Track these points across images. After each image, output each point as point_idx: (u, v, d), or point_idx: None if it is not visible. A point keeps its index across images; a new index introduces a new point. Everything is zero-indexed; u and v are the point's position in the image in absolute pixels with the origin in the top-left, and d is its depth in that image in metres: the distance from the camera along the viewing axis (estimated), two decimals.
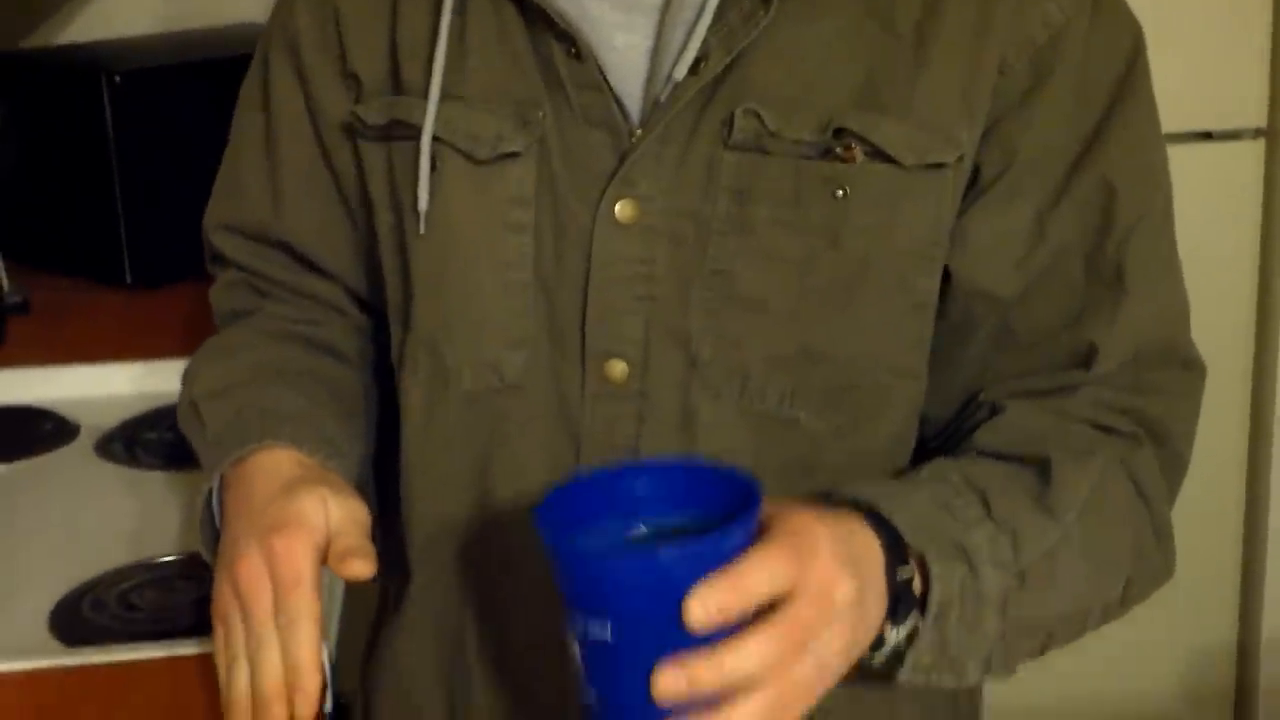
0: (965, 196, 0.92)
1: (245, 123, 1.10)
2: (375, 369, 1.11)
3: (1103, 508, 0.91)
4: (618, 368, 0.93)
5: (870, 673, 0.83)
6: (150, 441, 1.45)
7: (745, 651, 0.71)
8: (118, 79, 1.92)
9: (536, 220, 0.93)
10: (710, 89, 0.90)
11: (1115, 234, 0.92)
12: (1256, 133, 2.36)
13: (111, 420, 1.50)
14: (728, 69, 0.89)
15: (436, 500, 1.01)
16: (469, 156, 0.94)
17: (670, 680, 0.70)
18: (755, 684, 0.71)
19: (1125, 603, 0.95)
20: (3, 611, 1.14)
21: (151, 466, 1.39)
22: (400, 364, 1.01)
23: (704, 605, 0.70)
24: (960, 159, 0.90)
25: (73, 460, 1.43)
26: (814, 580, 0.73)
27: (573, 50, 0.91)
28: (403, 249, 0.98)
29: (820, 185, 0.89)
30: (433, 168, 0.94)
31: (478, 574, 1.01)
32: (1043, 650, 0.92)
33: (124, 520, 1.28)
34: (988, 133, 0.90)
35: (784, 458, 0.94)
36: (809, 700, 0.75)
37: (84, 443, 1.46)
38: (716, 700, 0.71)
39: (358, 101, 0.99)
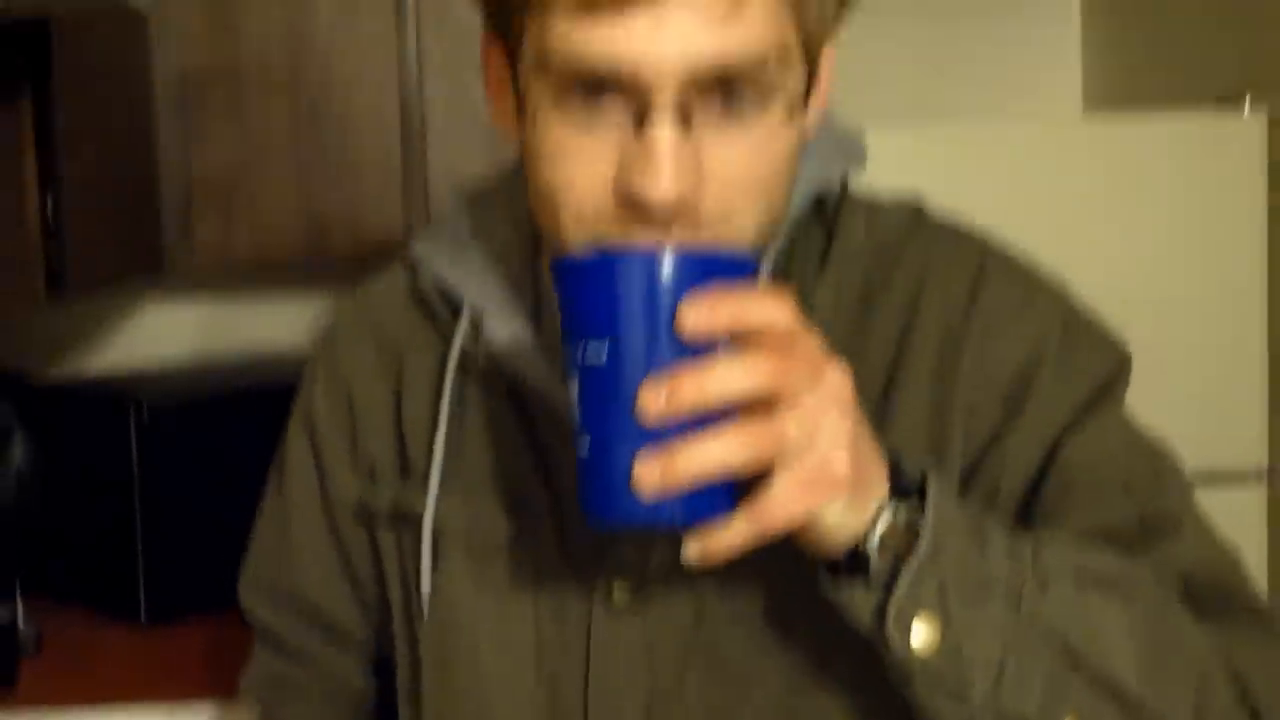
0: None
1: (269, 489, 1.12)
2: None
3: (1156, 610, 0.83)
4: None
5: (865, 613, 0.77)
6: None
7: (728, 369, 0.69)
8: (146, 413, 1.96)
9: (535, 606, 0.95)
10: None
11: (1102, 502, 0.89)
12: (1258, 475, 2.39)
13: None
14: None
15: None
16: (467, 545, 0.96)
17: (652, 394, 0.69)
18: (739, 422, 0.70)
19: None
20: None
21: None
22: None
23: (697, 310, 0.69)
24: None
25: None
26: (805, 346, 0.72)
27: (564, 435, 0.94)
28: (412, 631, 1.00)
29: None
30: (435, 555, 0.96)
31: None
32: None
33: None
34: (968, 474, 0.91)
35: None
36: (788, 469, 0.71)
37: None
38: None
39: (371, 484, 1.02)
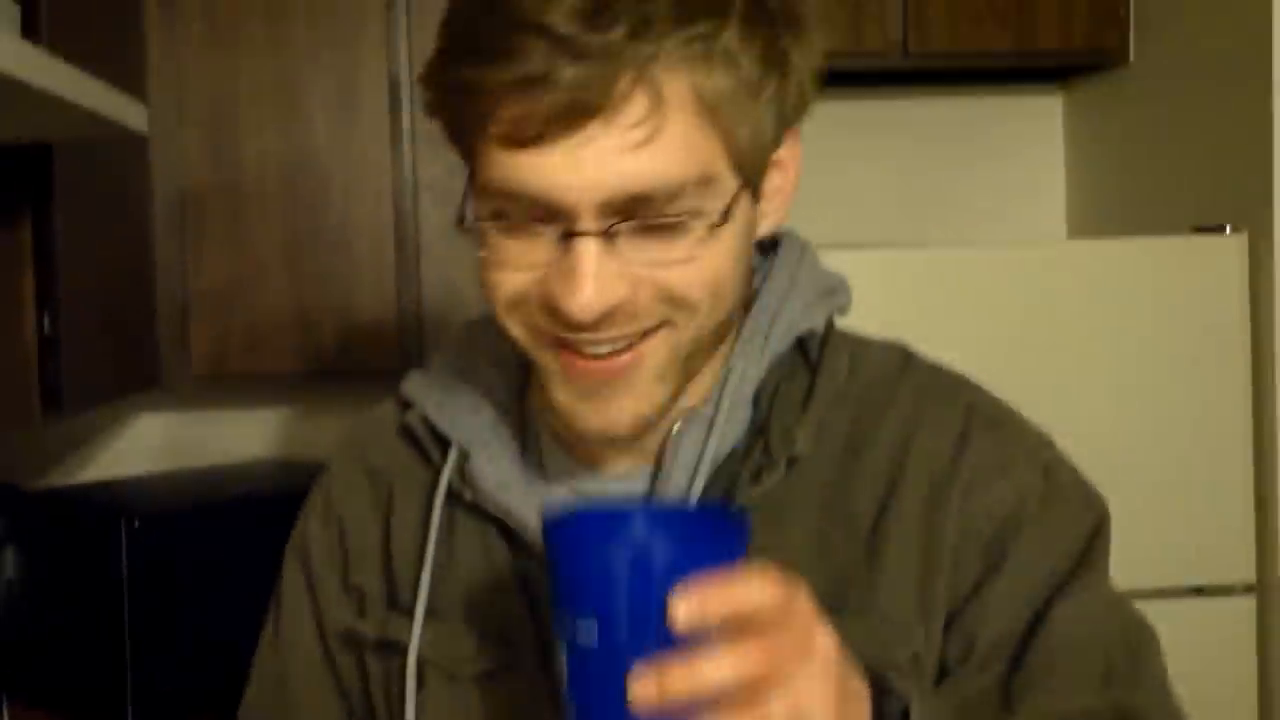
0: (937, 683, 0.93)
1: (267, 621, 1.13)
2: None
3: None
4: None
5: None
6: None
7: (720, 660, 0.69)
8: (136, 522, 1.97)
9: None
10: None
11: (1082, 684, 0.91)
12: (1247, 588, 2.40)
13: None
14: None
15: None
16: (451, 675, 0.97)
17: (643, 683, 0.69)
18: (726, 706, 0.69)
19: None
20: None
21: None
22: None
23: (688, 602, 0.69)
24: (915, 656, 0.91)
25: None
26: (796, 616, 0.72)
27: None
28: None
29: None
30: (421, 683, 0.97)
31: None
32: None
33: None
34: (950, 624, 0.92)
35: None
36: None
37: None
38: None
39: (361, 614, 1.03)
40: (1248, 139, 2.35)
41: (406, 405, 1.03)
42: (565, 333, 0.84)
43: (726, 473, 0.93)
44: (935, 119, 2.91)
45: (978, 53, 2.59)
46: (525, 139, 0.80)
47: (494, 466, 0.96)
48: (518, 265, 0.85)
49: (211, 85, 2.27)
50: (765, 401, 0.94)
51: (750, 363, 0.94)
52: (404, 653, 0.98)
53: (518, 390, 0.99)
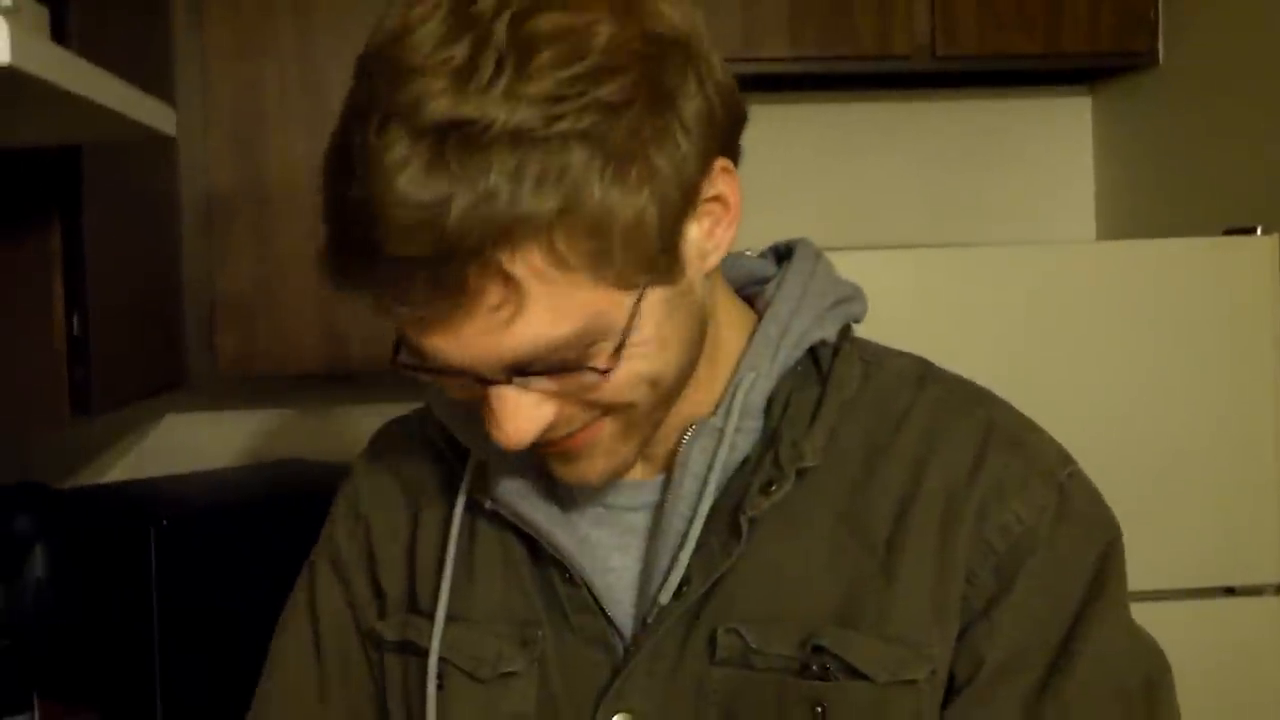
0: (945, 702, 0.94)
1: (291, 631, 1.12)
2: None
3: None
4: None
5: None
6: None
7: None
8: (165, 523, 1.98)
9: None
10: (695, 608, 0.94)
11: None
12: (1278, 588, 2.39)
13: None
14: (710, 590, 0.93)
15: None
16: (472, 675, 0.98)
17: None
18: None
19: None
20: None
21: None
22: None
23: None
24: (933, 673, 0.92)
25: None
26: None
27: (568, 575, 0.96)
28: None
29: (801, 701, 0.92)
30: (440, 685, 0.98)
31: None
32: None
33: None
34: (959, 639, 0.93)
35: None
36: None
37: None
38: None
39: (381, 616, 1.04)
40: (1278, 140, 2.34)
41: (430, 413, 1.04)
42: None
43: (738, 483, 0.94)
44: (964, 121, 2.90)
45: (1006, 55, 2.58)
46: (411, 328, 0.82)
47: (512, 475, 0.97)
48: (455, 393, 0.87)
49: (238, 88, 2.28)
50: (777, 411, 0.95)
51: (760, 373, 0.94)
52: (424, 654, 0.98)
53: None
